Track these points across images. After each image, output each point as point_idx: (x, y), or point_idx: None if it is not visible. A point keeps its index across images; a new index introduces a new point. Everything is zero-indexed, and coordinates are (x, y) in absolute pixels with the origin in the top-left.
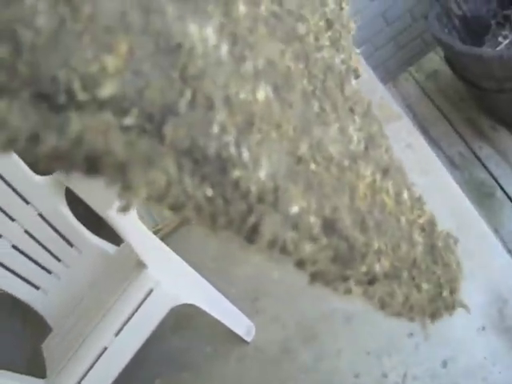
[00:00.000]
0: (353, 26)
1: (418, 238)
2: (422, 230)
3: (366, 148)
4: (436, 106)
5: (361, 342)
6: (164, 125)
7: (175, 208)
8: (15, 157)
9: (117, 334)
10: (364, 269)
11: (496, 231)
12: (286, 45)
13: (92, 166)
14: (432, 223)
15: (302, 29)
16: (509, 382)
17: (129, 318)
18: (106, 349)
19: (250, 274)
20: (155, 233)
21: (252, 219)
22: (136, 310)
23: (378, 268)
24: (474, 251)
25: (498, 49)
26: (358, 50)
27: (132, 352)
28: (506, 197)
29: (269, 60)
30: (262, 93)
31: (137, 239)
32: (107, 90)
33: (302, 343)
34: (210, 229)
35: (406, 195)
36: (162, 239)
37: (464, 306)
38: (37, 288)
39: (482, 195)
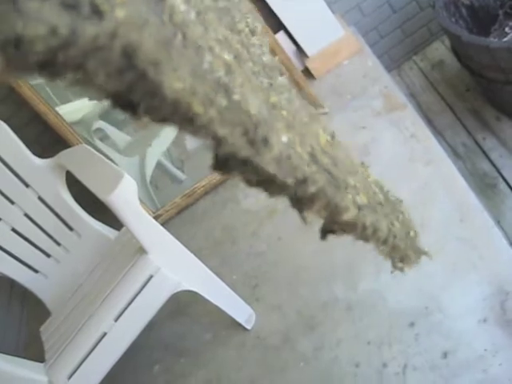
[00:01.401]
0: (267, 39)
1: (376, 189)
2: (376, 185)
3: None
4: (440, 96)
5: (361, 332)
6: None
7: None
8: (16, 139)
9: (116, 320)
10: (349, 196)
11: (498, 222)
12: (231, 33)
13: (127, 59)
14: (380, 185)
15: (239, 25)
16: (509, 375)
17: (128, 304)
18: (105, 334)
19: (252, 261)
20: (155, 218)
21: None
22: (136, 296)
23: (359, 200)
24: (477, 243)
25: (504, 39)
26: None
27: (131, 338)
28: (508, 188)
29: (224, 36)
30: (227, 56)
31: (137, 225)
32: (120, 13)
33: (302, 332)
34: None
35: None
36: (163, 225)
37: (426, 253)
38: (36, 272)
39: (485, 186)
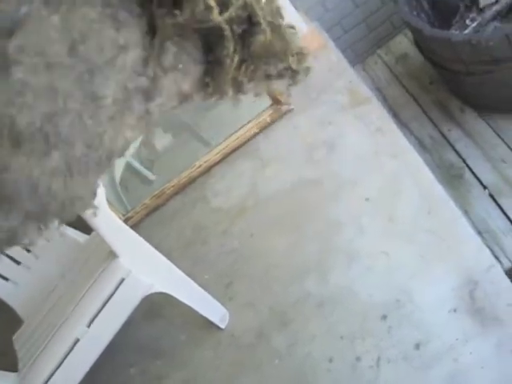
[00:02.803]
0: None
1: None
2: None
3: None
4: (405, 89)
5: (334, 327)
6: None
7: None
8: None
9: (89, 325)
10: None
11: (466, 212)
12: None
13: None
14: None
15: None
16: (479, 363)
17: (101, 309)
18: (78, 340)
19: (223, 260)
20: (125, 221)
21: None
22: (108, 300)
23: None
24: (445, 234)
25: (465, 32)
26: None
27: (105, 342)
28: (474, 178)
29: None
30: None
31: (107, 228)
32: None
33: (275, 329)
34: None
35: None
36: (133, 227)
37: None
38: (6, 279)
39: (451, 177)
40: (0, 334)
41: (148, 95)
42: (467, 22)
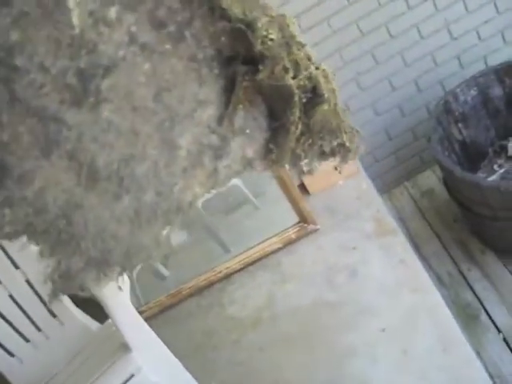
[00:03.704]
0: None
1: None
2: None
3: None
4: (428, 224)
5: None
6: None
7: None
8: None
9: None
10: None
11: (478, 353)
12: None
13: None
14: None
15: None
16: None
17: None
18: None
19: (231, 370)
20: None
21: None
22: None
23: None
24: (458, 374)
25: (493, 177)
26: None
27: None
28: (490, 321)
29: None
30: None
31: (125, 321)
32: None
33: None
34: None
35: None
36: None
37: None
38: (11, 355)
39: (467, 316)
40: None
41: (217, 154)
42: (495, 167)
